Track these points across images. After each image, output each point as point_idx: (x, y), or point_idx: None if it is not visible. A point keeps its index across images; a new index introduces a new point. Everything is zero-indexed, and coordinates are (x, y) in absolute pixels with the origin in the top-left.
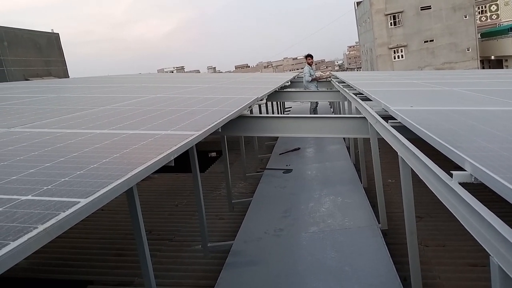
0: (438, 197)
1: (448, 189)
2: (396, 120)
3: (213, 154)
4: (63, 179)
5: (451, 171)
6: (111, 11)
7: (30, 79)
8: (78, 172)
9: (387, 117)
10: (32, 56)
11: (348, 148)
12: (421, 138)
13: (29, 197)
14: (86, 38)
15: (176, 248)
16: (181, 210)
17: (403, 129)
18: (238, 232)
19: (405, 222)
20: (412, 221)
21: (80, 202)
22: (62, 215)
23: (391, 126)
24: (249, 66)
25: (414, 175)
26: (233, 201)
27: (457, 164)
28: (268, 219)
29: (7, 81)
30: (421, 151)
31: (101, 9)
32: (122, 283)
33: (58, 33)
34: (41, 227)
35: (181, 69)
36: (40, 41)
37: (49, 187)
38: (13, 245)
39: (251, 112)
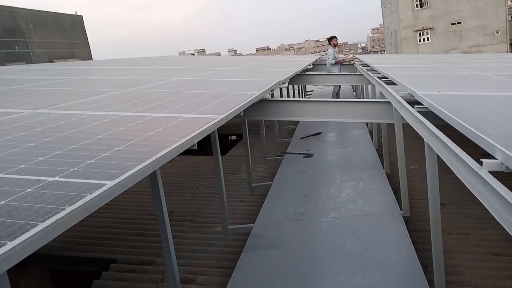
0: (467, 186)
1: (477, 178)
2: (423, 105)
3: (233, 137)
4: (89, 161)
5: (480, 159)
6: None
7: (54, 61)
8: (104, 154)
9: (413, 102)
10: (57, 38)
11: (370, 133)
12: (448, 124)
13: (57, 178)
14: (109, 20)
15: (197, 229)
16: (202, 192)
17: (430, 115)
18: (258, 215)
19: (429, 210)
20: (436, 209)
21: (106, 184)
22: (89, 197)
23: (417, 111)
24: (270, 49)
25: (439, 162)
26: (253, 185)
27: (485, 152)
28: (288, 203)
29: (33, 63)
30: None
31: None
32: (144, 263)
33: (81, 16)
34: (68, 209)
35: (202, 51)
36: (65, 23)
37: (76, 168)
38: (41, 226)
39: (272, 95)
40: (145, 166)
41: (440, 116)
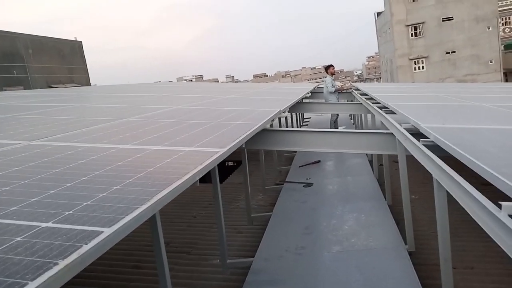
0: (483, 227)
1: (496, 222)
2: (428, 138)
3: (230, 163)
4: (85, 203)
5: (499, 202)
6: (134, 20)
7: (53, 86)
8: (101, 195)
9: (417, 134)
10: (56, 64)
11: (370, 161)
12: (451, 156)
13: (50, 224)
14: (109, 46)
15: (194, 261)
16: (199, 222)
17: (435, 148)
18: (258, 249)
19: (432, 243)
20: (446, 247)
21: (103, 232)
22: (85, 248)
23: (423, 145)
24: (267, 75)
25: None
26: (252, 215)
27: (486, 181)
28: (288, 235)
29: (31, 88)
30: (454, 170)
31: (125, 18)
32: None
33: (81, 41)
34: (62, 263)
35: (200, 77)
36: (64, 48)
37: (71, 212)
38: (31, 285)
39: (271, 124)
40: (145, 210)
41: (450, 152)
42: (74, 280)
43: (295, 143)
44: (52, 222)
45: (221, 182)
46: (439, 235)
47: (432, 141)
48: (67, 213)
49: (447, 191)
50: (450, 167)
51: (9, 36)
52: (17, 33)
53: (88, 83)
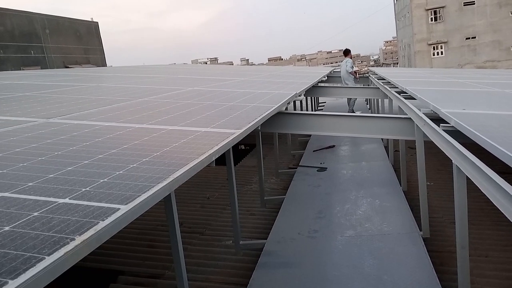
0: (507, 216)
1: None
2: (449, 124)
3: (242, 146)
4: (102, 180)
5: None
6: (149, 1)
7: (69, 66)
8: (118, 172)
9: (436, 119)
10: (72, 44)
11: (386, 147)
12: (471, 142)
13: (67, 200)
14: (123, 27)
15: (207, 242)
16: (212, 203)
17: (455, 134)
18: (271, 232)
19: (446, 230)
20: (464, 235)
21: (120, 209)
22: (101, 224)
23: (443, 130)
24: (282, 59)
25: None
26: (265, 198)
27: (504, 169)
28: (301, 219)
29: (48, 68)
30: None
31: None
32: (152, 275)
33: (97, 22)
34: (78, 239)
35: (214, 60)
36: (80, 29)
37: (88, 189)
38: (48, 260)
39: (287, 108)
40: (161, 188)
41: (471, 138)
42: (89, 257)
43: (311, 127)
44: (69, 198)
45: (234, 165)
46: (457, 222)
47: (452, 126)
48: (83, 189)
49: (467, 178)
50: (473, 153)
51: (26, 16)
52: (35, 13)
53: (104, 64)
